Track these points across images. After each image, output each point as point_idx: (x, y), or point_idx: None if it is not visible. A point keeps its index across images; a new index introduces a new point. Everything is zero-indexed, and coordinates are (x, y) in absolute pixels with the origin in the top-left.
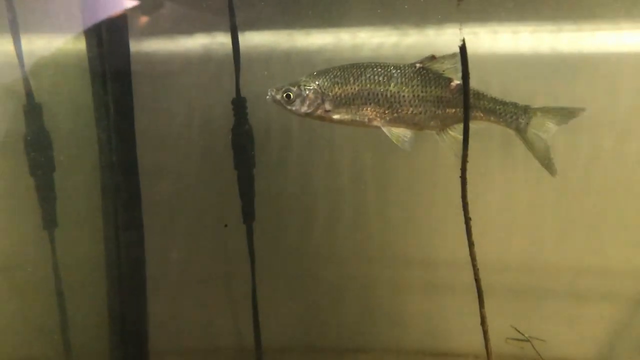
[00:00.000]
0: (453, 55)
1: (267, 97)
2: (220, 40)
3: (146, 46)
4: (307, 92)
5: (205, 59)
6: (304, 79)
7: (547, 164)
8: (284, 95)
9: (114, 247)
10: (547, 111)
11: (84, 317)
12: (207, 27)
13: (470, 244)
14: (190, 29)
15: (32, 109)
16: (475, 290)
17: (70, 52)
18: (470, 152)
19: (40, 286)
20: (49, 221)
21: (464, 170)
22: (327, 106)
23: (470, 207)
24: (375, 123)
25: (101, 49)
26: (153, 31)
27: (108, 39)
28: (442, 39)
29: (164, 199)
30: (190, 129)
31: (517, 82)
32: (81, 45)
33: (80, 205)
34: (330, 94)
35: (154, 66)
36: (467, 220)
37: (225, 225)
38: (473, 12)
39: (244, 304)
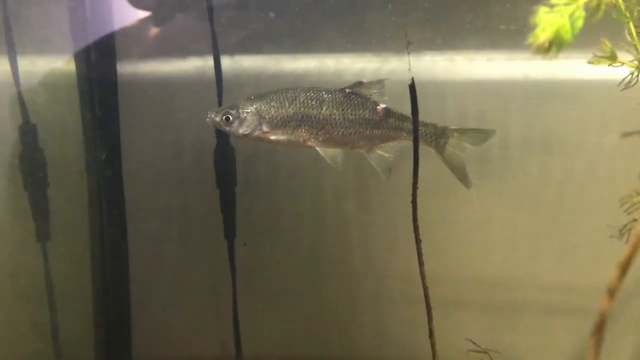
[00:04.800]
0: (379, 81)
1: (207, 119)
2: (212, 63)
3: (137, 68)
4: (245, 114)
5: (195, 82)
6: (242, 102)
7: (463, 178)
8: (223, 117)
9: (99, 260)
10: (462, 132)
11: (72, 324)
12: (198, 52)
13: (421, 264)
14: (180, 53)
15: (28, 129)
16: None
17: (62, 74)
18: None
19: (32, 295)
20: (42, 234)
21: (414, 196)
22: (264, 128)
23: (447, 224)
24: (309, 143)
25: (90, 70)
26: (143, 54)
27: (96, 61)
28: (421, 64)
29: (149, 216)
30: (177, 149)
31: (493, 107)
32: (71, 66)
33: (70, 220)
34: (267, 116)
35: (144, 87)
36: (418, 242)
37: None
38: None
39: (226, 315)
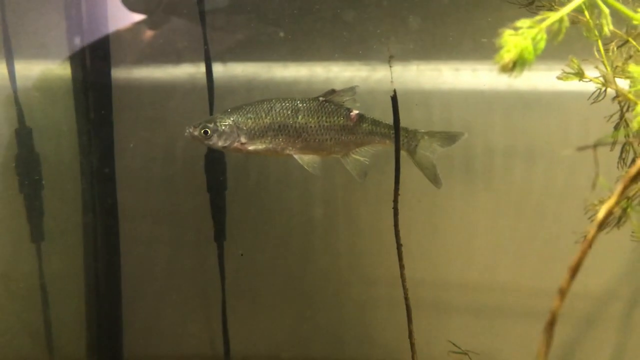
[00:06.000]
0: (350, 88)
1: (185, 133)
2: (204, 70)
3: (131, 73)
4: (223, 127)
5: (188, 88)
6: (219, 115)
7: (433, 179)
8: (202, 131)
9: (92, 260)
10: (432, 135)
11: (64, 324)
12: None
13: (401, 267)
14: (173, 59)
15: (24, 132)
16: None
17: (57, 78)
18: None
19: (27, 294)
20: (37, 235)
21: (395, 201)
22: (243, 139)
23: (432, 230)
24: (287, 151)
25: (85, 75)
26: (138, 59)
27: (91, 65)
28: (408, 73)
29: (142, 218)
30: (169, 154)
31: (477, 115)
32: (67, 71)
33: (64, 221)
34: (244, 128)
35: (138, 92)
36: (399, 246)
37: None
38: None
39: (216, 316)
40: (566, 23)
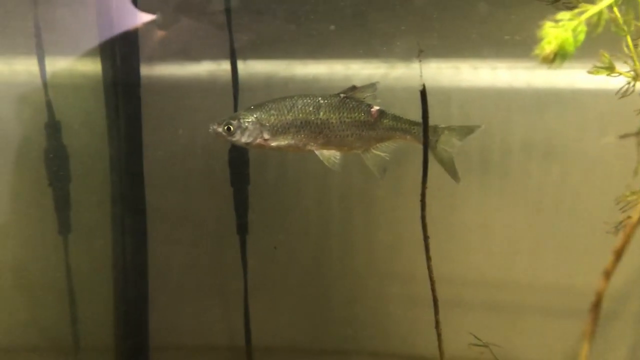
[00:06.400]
0: (371, 85)
1: (210, 130)
2: (225, 67)
3: (158, 70)
4: (247, 124)
5: (211, 84)
6: (242, 112)
7: (452, 173)
8: (225, 128)
9: (120, 252)
10: (452, 129)
11: (91, 314)
12: (213, 55)
13: (428, 259)
14: (198, 57)
15: (53, 126)
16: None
17: (87, 74)
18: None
19: (54, 284)
20: (64, 227)
21: (423, 194)
22: (265, 135)
23: (447, 226)
24: (309, 147)
25: (115, 72)
26: (165, 57)
27: (121, 62)
28: (427, 71)
29: (168, 212)
30: (193, 149)
31: (495, 113)
32: (97, 67)
33: (91, 214)
34: (267, 124)
35: (164, 89)
36: (426, 238)
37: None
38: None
39: (238, 307)
40: (605, 15)
